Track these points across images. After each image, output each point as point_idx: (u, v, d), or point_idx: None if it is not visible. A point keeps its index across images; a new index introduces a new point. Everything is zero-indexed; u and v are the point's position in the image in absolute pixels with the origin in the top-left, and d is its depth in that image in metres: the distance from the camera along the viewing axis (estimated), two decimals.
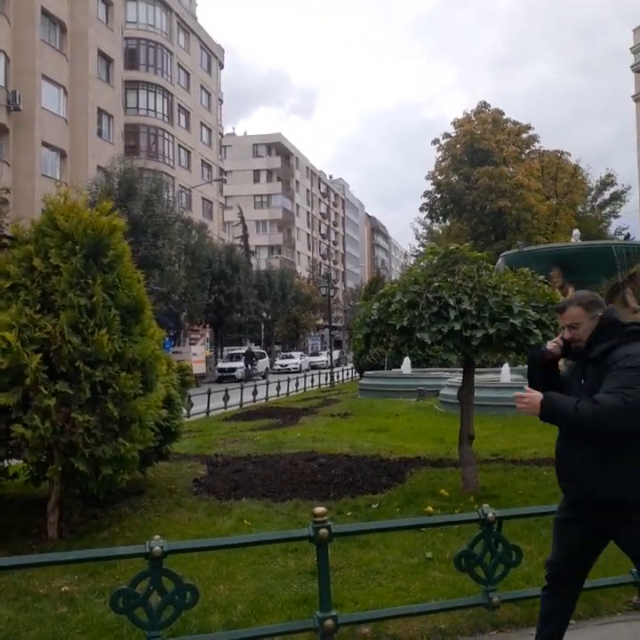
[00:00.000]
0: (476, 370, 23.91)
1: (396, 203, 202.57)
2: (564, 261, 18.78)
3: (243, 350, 40.57)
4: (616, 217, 55.46)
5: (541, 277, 7.87)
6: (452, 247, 7.54)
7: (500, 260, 18.81)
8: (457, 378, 18.15)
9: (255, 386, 20.57)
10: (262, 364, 39.49)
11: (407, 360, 21.56)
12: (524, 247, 18.90)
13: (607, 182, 54.36)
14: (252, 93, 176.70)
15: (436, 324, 6.65)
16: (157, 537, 3.36)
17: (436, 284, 6.84)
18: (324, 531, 3.57)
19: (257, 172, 72.73)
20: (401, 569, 4.93)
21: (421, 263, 8.26)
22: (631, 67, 54.13)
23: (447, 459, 8.84)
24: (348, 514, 6.36)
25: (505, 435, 11.28)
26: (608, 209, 55.55)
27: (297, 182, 78.10)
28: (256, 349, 42.49)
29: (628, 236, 18.95)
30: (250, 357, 38.53)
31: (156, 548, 3.25)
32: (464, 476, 7.24)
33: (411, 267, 11.04)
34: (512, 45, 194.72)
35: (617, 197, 54.72)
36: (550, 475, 8.00)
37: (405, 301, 6.82)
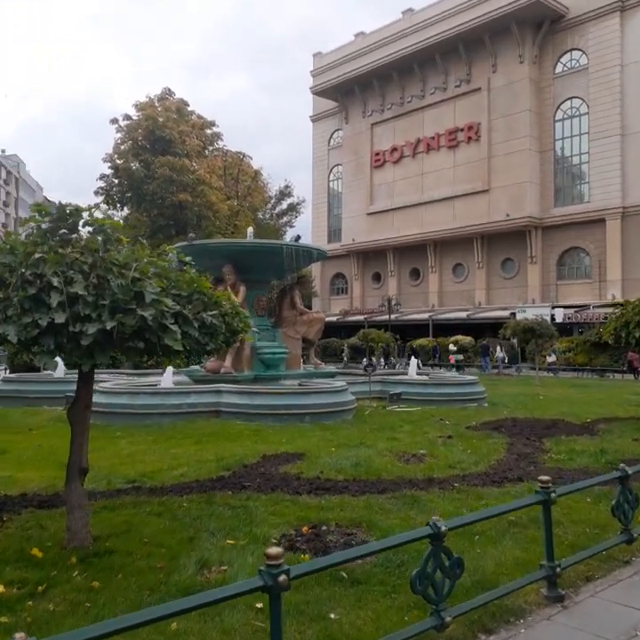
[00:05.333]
0: (140, 371, 21.44)
1: (81, 189, 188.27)
2: (237, 258, 17.96)
3: None
4: (291, 227, 59.89)
5: (192, 262, 6.29)
6: (70, 208, 5.48)
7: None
8: (111, 382, 15.90)
9: None
10: None
11: (59, 360, 18.51)
12: (194, 240, 17.52)
13: (285, 193, 58.50)
14: None
15: (33, 312, 4.59)
16: None
17: (38, 256, 4.76)
18: None
19: None
20: None
21: (24, 227, 5.99)
22: (310, 88, 58.50)
23: None
24: None
25: (153, 451, 9.52)
26: (285, 218, 59.54)
27: None
28: None
29: (298, 238, 19.03)
30: None
31: None
32: (69, 526, 5.19)
33: (8, 232, 8.44)
34: (209, 54, 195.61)
35: (293, 208, 59.48)
36: (191, 506, 6.43)
37: None
